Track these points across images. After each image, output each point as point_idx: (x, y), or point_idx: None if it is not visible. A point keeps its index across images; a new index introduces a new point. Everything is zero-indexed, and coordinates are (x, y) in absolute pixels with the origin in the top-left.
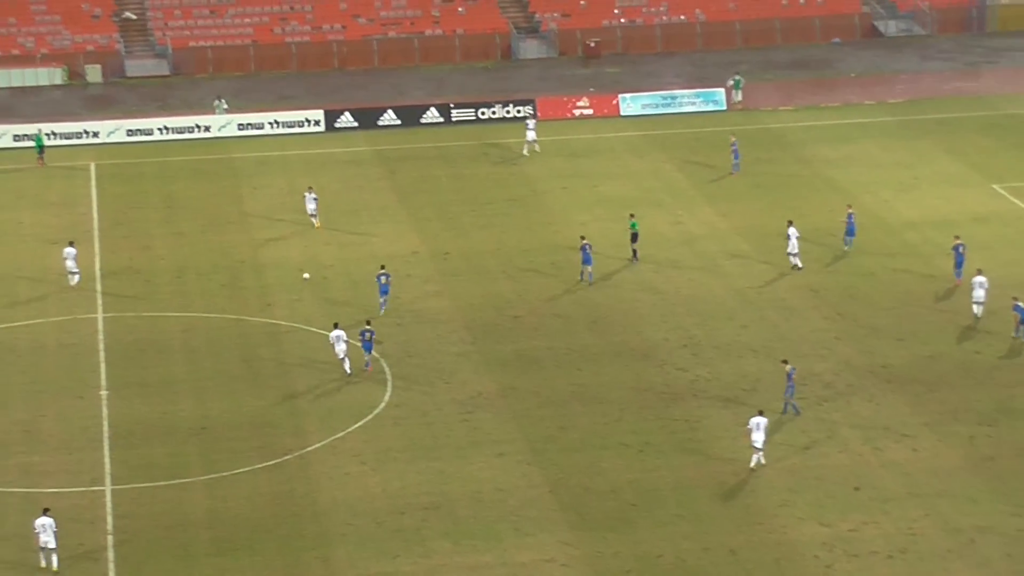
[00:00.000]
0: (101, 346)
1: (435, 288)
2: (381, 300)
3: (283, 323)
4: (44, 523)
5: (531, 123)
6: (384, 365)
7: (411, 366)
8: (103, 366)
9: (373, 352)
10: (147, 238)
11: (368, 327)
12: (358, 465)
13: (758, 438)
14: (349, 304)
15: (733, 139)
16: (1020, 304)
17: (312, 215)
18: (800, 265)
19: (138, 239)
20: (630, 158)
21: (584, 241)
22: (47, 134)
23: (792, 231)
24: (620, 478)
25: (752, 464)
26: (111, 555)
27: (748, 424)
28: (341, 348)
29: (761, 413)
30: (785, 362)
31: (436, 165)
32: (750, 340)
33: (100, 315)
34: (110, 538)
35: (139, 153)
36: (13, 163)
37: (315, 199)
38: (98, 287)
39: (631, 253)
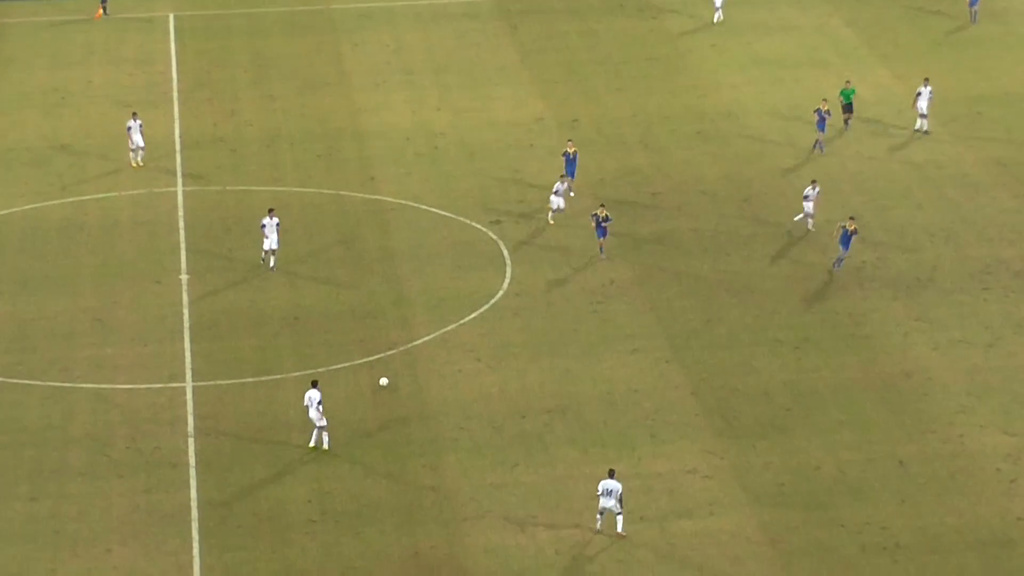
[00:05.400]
0: (181, 224)
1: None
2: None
3: (388, 199)
4: (310, 396)
5: None
6: (502, 247)
7: (534, 248)
8: (183, 247)
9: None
10: (233, 102)
11: (600, 212)
12: (473, 362)
13: (607, 504)
14: (463, 178)
15: None
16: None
17: None
18: (927, 129)
19: (223, 103)
20: (790, 10)
21: (825, 106)
22: None
23: (926, 90)
24: (773, 379)
25: (598, 527)
26: (192, 460)
27: (599, 489)
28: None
29: (612, 474)
30: (852, 219)
31: (564, 19)
32: (927, 222)
33: (180, 189)
34: (191, 441)
35: (225, 3)
36: (84, 13)
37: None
38: (178, 158)
39: (843, 123)
